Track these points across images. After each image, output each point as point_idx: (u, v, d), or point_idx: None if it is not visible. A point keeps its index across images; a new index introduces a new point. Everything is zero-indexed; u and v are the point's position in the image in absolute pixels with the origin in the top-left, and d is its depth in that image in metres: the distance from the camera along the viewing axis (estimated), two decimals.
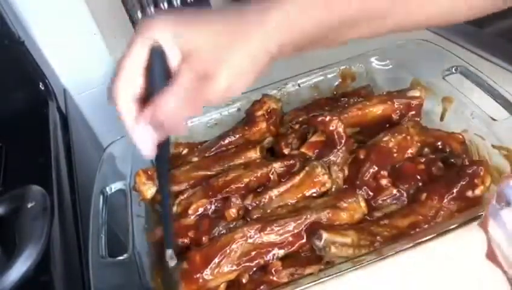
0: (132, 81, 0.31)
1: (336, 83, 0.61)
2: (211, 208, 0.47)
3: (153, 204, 0.51)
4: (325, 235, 0.40)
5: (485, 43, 0.65)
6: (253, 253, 0.41)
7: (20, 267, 0.44)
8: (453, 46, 0.67)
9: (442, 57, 0.54)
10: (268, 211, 0.45)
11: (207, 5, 0.70)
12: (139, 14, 0.68)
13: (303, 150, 0.50)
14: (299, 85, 0.60)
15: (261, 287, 0.40)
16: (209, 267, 0.40)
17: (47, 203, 0.50)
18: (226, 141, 0.54)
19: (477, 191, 0.43)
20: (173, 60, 0.31)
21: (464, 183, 0.43)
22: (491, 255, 0.35)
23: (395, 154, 0.47)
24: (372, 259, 0.38)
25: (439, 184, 0.43)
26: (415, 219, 0.42)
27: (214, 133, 0.57)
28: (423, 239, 0.38)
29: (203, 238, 0.44)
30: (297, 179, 0.46)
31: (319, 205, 0.43)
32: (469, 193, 0.43)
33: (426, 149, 0.49)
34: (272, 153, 0.54)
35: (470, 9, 0.36)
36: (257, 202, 0.46)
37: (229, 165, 0.51)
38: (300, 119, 0.56)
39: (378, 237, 0.40)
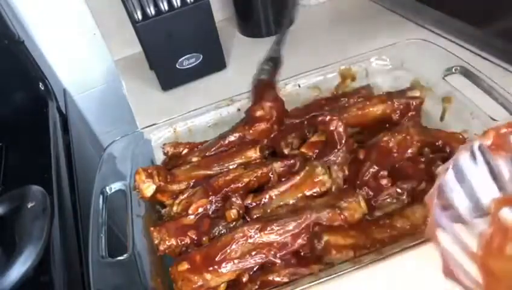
0: None
1: (336, 83, 0.61)
2: (211, 207, 0.47)
3: (152, 203, 0.51)
4: (325, 237, 0.40)
5: (485, 43, 0.65)
6: (253, 253, 0.41)
7: (20, 267, 0.44)
8: (453, 46, 0.67)
9: (442, 57, 0.54)
10: (269, 210, 0.45)
11: (207, 6, 0.70)
12: (139, 14, 0.67)
13: (303, 150, 0.50)
14: (299, 85, 0.60)
15: (261, 287, 0.40)
16: (209, 267, 0.40)
17: (47, 203, 0.51)
18: (226, 141, 0.54)
19: None
20: None
21: None
22: (448, 271, 0.29)
23: (395, 154, 0.47)
24: (372, 259, 0.38)
25: None
26: (415, 219, 0.42)
27: (214, 133, 0.57)
28: (423, 239, 0.38)
29: (203, 238, 0.44)
30: (297, 178, 0.46)
31: (319, 204, 0.43)
32: None
33: (426, 149, 0.48)
34: (272, 153, 0.54)
35: None
36: (257, 202, 0.46)
37: (229, 165, 0.51)
38: (300, 119, 0.56)
39: (378, 242, 0.40)
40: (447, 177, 0.31)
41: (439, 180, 0.31)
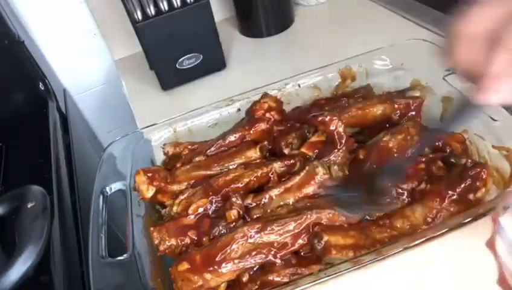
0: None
1: (336, 83, 0.61)
2: (211, 207, 0.47)
3: (152, 203, 0.51)
4: (325, 237, 0.40)
5: None
6: (253, 253, 0.41)
7: (20, 267, 0.44)
8: None
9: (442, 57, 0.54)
10: (269, 210, 0.45)
11: (207, 6, 0.70)
12: (139, 14, 0.67)
13: (303, 150, 0.50)
14: (299, 85, 0.60)
15: (261, 287, 0.40)
16: (209, 267, 0.40)
17: (47, 203, 0.51)
18: (226, 141, 0.54)
19: (479, 194, 0.43)
20: None
21: (465, 185, 0.42)
22: (503, 281, 0.32)
23: (395, 154, 0.47)
24: (372, 259, 0.38)
25: (440, 185, 0.43)
26: (415, 219, 0.42)
27: (214, 133, 0.57)
28: (423, 239, 0.38)
29: (204, 238, 0.44)
30: (297, 178, 0.46)
31: (319, 204, 0.43)
32: (470, 196, 0.43)
33: (426, 149, 0.48)
34: (272, 153, 0.54)
35: None
36: (257, 202, 0.46)
37: (229, 165, 0.51)
38: (299, 120, 0.56)
39: (378, 242, 0.40)
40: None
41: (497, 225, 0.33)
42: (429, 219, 0.42)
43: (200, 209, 0.46)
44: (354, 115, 0.52)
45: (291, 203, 0.45)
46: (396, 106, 0.52)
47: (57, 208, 0.53)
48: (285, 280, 0.40)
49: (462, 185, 0.42)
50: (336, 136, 0.48)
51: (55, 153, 0.63)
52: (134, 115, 0.73)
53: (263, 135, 0.54)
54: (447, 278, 0.39)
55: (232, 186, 0.48)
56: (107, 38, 0.87)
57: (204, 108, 0.59)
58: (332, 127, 0.48)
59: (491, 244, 0.33)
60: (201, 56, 0.74)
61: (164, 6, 0.68)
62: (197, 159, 0.53)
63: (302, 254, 0.42)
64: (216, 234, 0.44)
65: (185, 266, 0.41)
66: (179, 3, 0.68)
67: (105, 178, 0.52)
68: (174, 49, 0.72)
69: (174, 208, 0.48)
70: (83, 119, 0.94)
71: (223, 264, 0.40)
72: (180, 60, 0.73)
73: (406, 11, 0.80)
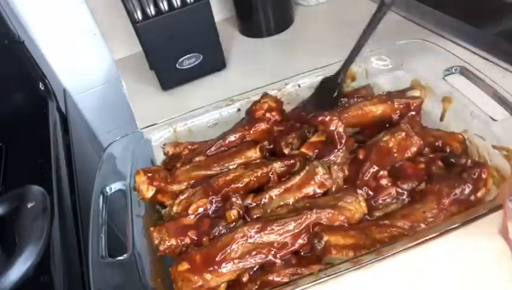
0: None
1: None
2: (211, 207, 0.47)
3: (152, 203, 0.51)
4: (325, 237, 0.40)
5: (485, 43, 0.65)
6: (253, 253, 0.41)
7: (20, 267, 0.44)
8: (453, 46, 0.67)
9: (442, 57, 0.54)
10: (269, 210, 0.45)
11: (207, 6, 0.70)
12: (139, 14, 0.67)
13: (303, 150, 0.50)
14: (299, 85, 0.60)
15: (261, 287, 0.40)
16: (209, 267, 0.40)
17: (47, 203, 0.51)
18: (226, 141, 0.54)
19: (479, 194, 0.43)
20: None
21: (465, 186, 0.43)
22: None
23: (395, 154, 0.47)
24: (372, 259, 0.38)
25: (440, 185, 0.43)
26: (415, 219, 0.42)
27: (214, 133, 0.57)
28: (423, 239, 0.38)
29: (204, 238, 0.44)
30: (297, 178, 0.46)
31: (319, 204, 0.43)
32: (471, 197, 0.43)
33: (426, 149, 0.48)
34: (272, 153, 0.54)
35: None
36: (257, 202, 0.46)
37: (229, 165, 0.51)
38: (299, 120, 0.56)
39: (378, 242, 0.40)
40: None
41: None
42: (429, 219, 0.42)
43: (200, 209, 0.46)
44: (354, 115, 0.52)
45: (291, 203, 0.45)
46: (396, 105, 0.52)
47: (57, 208, 0.53)
48: (285, 280, 0.40)
49: (463, 188, 0.42)
50: (336, 136, 0.48)
51: (55, 153, 0.63)
52: (134, 115, 0.73)
53: (263, 135, 0.54)
54: (447, 278, 0.39)
55: (232, 186, 0.48)
56: (107, 38, 0.87)
57: (204, 108, 0.59)
58: (332, 127, 0.48)
59: (504, 233, 0.32)
60: (201, 56, 0.74)
61: (164, 6, 0.68)
62: (197, 159, 0.53)
63: (302, 254, 0.42)
64: (216, 234, 0.44)
65: (185, 266, 0.41)
66: (179, 3, 0.68)
67: (105, 178, 0.52)
68: (174, 49, 0.72)
69: (174, 208, 0.48)
70: (83, 119, 0.94)
71: (223, 264, 0.40)
72: (180, 60, 0.73)
73: (406, 11, 0.80)
